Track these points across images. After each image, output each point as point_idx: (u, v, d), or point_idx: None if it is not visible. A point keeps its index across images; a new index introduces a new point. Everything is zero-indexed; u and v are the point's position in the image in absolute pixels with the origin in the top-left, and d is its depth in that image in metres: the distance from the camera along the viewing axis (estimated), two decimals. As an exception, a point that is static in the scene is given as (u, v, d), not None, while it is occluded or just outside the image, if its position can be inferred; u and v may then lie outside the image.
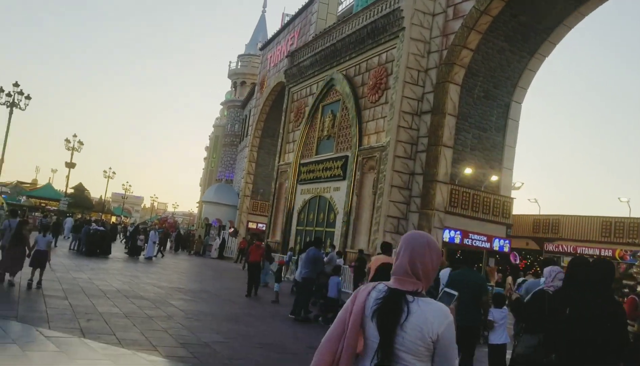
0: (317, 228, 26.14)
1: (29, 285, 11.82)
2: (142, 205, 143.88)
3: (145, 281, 16.39)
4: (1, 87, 31.53)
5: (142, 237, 27.31)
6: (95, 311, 10.04)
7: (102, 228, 26.09)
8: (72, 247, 26.57)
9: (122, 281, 15.52)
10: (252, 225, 40.71)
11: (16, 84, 31.80)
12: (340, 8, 32.84)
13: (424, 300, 2.30)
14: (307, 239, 26.78)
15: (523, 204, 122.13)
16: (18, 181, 75.31)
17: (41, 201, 49.32)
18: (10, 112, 31.88)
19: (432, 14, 21.85)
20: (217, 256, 35.53)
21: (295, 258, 19.83)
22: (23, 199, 49.26)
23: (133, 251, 27.31)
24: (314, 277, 13.09)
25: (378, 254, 10.37)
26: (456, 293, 3.00)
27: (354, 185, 22.94)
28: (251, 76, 53.06)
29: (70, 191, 61.95)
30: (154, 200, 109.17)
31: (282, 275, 17.01)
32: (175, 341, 8.36)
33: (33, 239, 12.78)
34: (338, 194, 24.44)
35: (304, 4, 33.67)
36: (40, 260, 12.32)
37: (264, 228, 35.03)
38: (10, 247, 12.18)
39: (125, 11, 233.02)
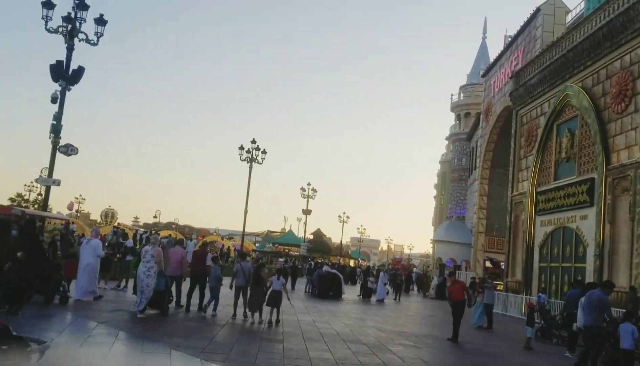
0: (563, 264, 22.77)
1: (269, 323, 12.57)
2: (380, 248, 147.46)
3: (369, 324, 15.53)
4: (242, 145, 34.76)
5: (372, 279, 26.90)
6: (305, 356, 9.33)
7: (333, 271, 26.35)
8: (307, 290, 27.28)
9: (345, 324, 14.88)
10: (490, 264, 37.86)
11: (253, 141, 34.83)
12: (569, 18, 29.33)
13: None
14: (553, 276, 23.52)
15: None
16: (268, 231, 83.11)
17: (284, 247, 53.04)
18: (250, 167, 34.88)
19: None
20: (435, 296, 33.12)
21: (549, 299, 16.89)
22: (269, 246, 53.44)
23: (365, 293, 26.99)
24: (602, 326, 10.55)
25: None
26: None
27: (604, 211, 19.39)
28: (475, 106, 50.83)
29: (309, 236, 66.22)
30: (388, 242, 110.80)
31: (533, 318, 14.40)
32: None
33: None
34: (586, 223, 20.97)
35: (525, 20, 30.93)
36: (276, 300, 12.95)
37: (503, 266, 32.09)
38: (251, 288, 12.98)
39: (339, 59, 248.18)
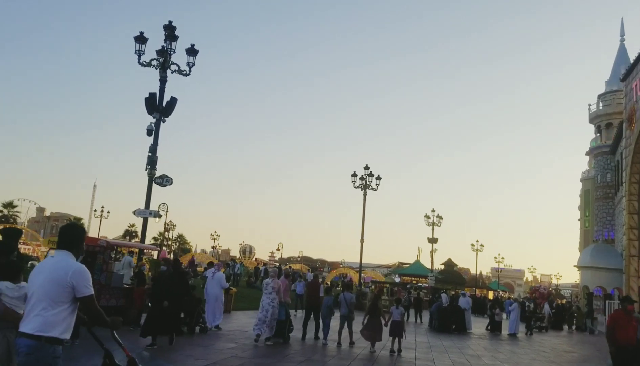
0: None
1: (391, 353, 13.14)
2: (524, 278, 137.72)
3: (484, 362, 13.26)
4: (354, 172, 33.70)
5: (498, 311, 24.05)
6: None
7: (453, 303, 23.92)
8: (431, 324, 24.91)
9: (453, 362, 12.82)
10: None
11: (366, 167, 33.62)
12: None
13: None
14: None
15: None
16: (399, 262, 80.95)
17: (412, 278, 50.64)
18: (365, 194, 33.61)
19: None
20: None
21: None
22: (397, 277, 51.42)
23: (493, 327, 24.17)
24: None
25: None
26: None
27: None
28: (617, 114, 45.28)
29: (441, 267, 62.93)
30: (532, 271, 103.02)
31: None
32: None
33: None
34: None
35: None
36: (396, 330, 13.43)
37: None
38: (369, 319, 13.48)
39: (463, 84, 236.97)
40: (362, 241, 33.56)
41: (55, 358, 3.73)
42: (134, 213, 17.03)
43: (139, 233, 69.59)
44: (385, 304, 27.07)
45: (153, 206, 17.73)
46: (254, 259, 75.84)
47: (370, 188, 33.29)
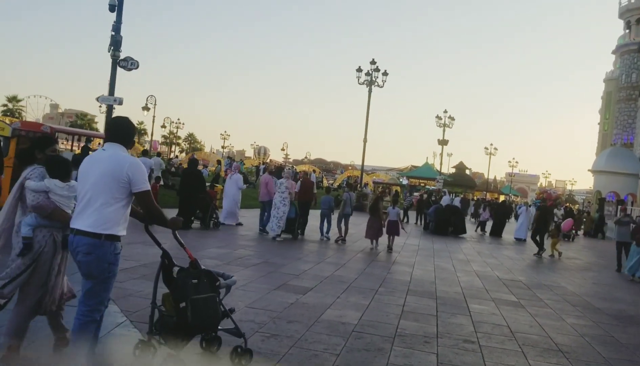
0: None
1: (388, 249, 13.71)
2: (539, 183, 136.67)
3: (473, 269, 12.06)
4: (359, 66, 31.45)
5: (481, 210, 23.69)
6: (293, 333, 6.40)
7: (454, 205, 22.71)
8: (427, 226, 23.70)
9: (442, 267, 11.63)
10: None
11: (373, 62, 31.26)
12: None
13: None
14: None
15: None
16: (412, 165, 79.78)
17: (420, 180, 49.45)
18: (370, 91, 31.59)
19: None
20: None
21: None
22: (404, 179, 50.34)
23: (481, 227, 24.21)
24: None
25: None
26: None
27: None
28: (651, 7, 41.58)
29: (452, 170, 61.53)
30: (546, 176, 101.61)
31: None
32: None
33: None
34: None
35: None
36: (393, 228, 13.99)
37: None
38: (369, 218, 14.07)
39: None
40: (365, 140, 31.92)
41: (116, 255, 3.65)
42: (97, 99, 15.46)
43: (149, 131, 68.01)
44: (386, 205, 26.00)
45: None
46: (268, 160, 75.11)
47: (376, 84, 31.14)
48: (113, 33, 15.44)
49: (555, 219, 30.48)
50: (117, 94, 15.70)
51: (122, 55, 15.56)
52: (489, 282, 10.35)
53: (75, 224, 3.60)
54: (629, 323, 8.04)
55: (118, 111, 16.31)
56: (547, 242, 17.07)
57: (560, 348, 6.00)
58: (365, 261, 11.51)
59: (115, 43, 15.44)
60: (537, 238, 17.22)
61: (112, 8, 15.29)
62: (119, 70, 15.65)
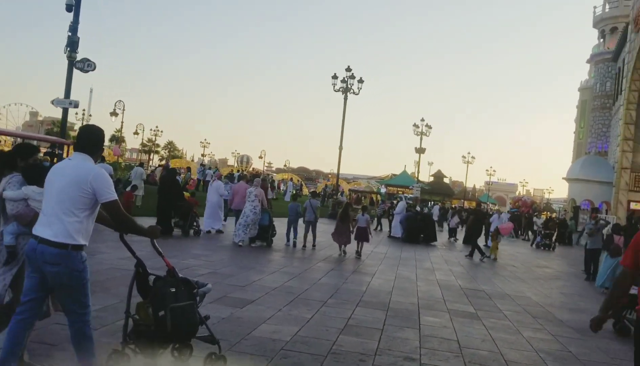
0: None
1: (357, 255, 14.15)
2: (517, 192, 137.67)
3: (436, 277, 11.68)
4: (335, 73, 31.18)
5: (449, 218, 24.09)
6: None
7: (422, 212, 22.47)
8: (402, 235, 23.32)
9: (403, 276, 11.21)
10: (635, 206, 31.34)
11: (348, 69, 30.97)
12: None
13: None
14: None
15: None
16: (392, 174, 79.64)
17: (397, 188, 49.24)
18: (345, 98, 31.28)
19: None
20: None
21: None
22: (382, 188, 50.10)
23: (450, 235, 24.71)
24: None
25: None
26: None
27: None
28: (623, 18, 41.88)
29: (430, 178, 61.44)
30: (523, 185, 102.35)
31: None
32: None
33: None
34: None
35: None
36: (361, 235, 14.44)
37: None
38: (338, 225, 14.41)
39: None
40: (340, 148, 31.63)
41: (84, 263, 3.60)
42: (52, 102, 14.86)
43: (124, 137, 66.76)
44: (357, 212, 25.76)
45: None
46: (251, 168, 74.53)
47: (352, 91, 30.85)
48: (70, 34, 14.91)
49: (535, 228, 30.44)
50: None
51: (79, 57, 15.04)
52: (450, 292, 9.97)
53: (40, 232, 3.53)
54: (589, 336, 7.66)
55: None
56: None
57: None
58: (323, 270, 11.04)
59: (72, 44, 14.90)
60: (476, 241, 17.17)
61: (69, 8, 14.78)
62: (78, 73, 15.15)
